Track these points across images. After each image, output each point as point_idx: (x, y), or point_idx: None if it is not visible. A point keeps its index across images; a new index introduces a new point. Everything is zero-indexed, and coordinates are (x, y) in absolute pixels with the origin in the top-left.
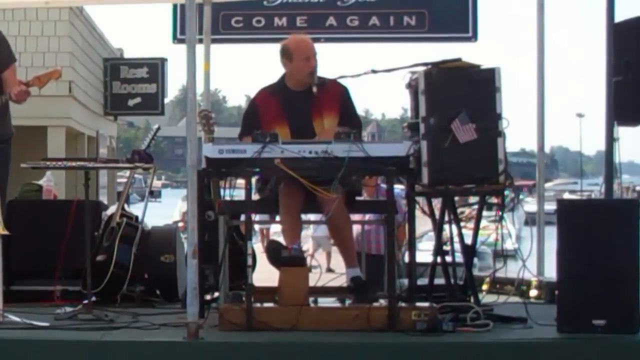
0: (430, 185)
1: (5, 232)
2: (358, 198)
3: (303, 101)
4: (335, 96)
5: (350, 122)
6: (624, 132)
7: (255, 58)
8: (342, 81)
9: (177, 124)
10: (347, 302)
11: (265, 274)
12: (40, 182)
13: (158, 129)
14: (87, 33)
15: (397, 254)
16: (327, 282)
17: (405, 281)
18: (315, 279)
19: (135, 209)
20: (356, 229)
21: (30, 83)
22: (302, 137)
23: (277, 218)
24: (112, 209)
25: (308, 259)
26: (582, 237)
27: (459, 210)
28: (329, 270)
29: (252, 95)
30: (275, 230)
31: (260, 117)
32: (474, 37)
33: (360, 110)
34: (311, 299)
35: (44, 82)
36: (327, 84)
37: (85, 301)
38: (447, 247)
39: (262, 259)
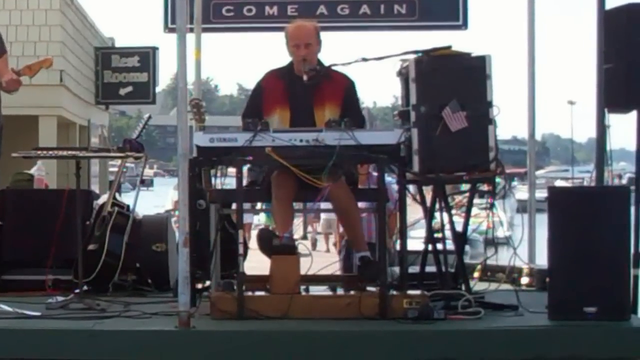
0: (421, 173)
1: None
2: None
3: (307, 88)
4: (340, 88)
5: (352, 116)
6: (615, 119)
7: (247, 47)
8: (340, 70)
9: (168, 113)
10: (339, 289)
11: (253, 264)
12: (32, 171)
13: (149, 118)
14: (78, 22)
15: (389, 242)
16: (319, 270)
17: (397, 269)
18: (306, 266)
19: (127, 198)
20: None
21: (20, 72)
22: (302, 124)
23: (258, 206)
24: (103, 198)
25: (322, 242)
26: (573, 224)
27: (450, 197)
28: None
29: (244, 84)
30: (257, 224)
31: (264, 99)
32: (464, 26)
33: None
34: (302, 287)
35: (35, 70)
36: (331, 75)
37: (77, 290)
38: (438, 235)
39: (252, 247)
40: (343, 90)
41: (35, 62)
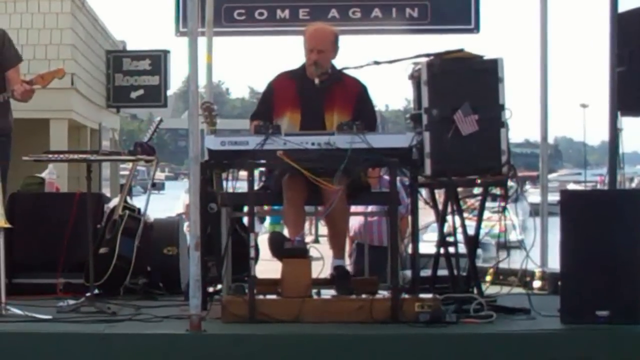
0: (433, 176)
1: (8, 225)
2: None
3: (318, 92)
4: (351, 94)
5: (364, 122)
6: (628, 123)
7: (259, 50)
8: (352, 74)
9: (180, 116)
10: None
11: (260, 267)
12: (43, 174)
13: (160, 121)
14: (89, 25)
15: (400, 245)
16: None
17: (409, 272)
18: (318, 270)
19: (138, 201)
20: (359, 220)
21: (33, 82)
22: (312, 127)
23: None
24: (114, 202)
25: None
26: (585, 227)
27: (462, 201)
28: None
29: (256, 87)
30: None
31: (275, 100)
32: (476, 29)
33: None
34: (314, 290)
35: (48, 80)
36: (343, 79)
37: (88, 294)
38: (450, 238)
39: (264, 251)
40: (355, 96)
41: (47, 72)
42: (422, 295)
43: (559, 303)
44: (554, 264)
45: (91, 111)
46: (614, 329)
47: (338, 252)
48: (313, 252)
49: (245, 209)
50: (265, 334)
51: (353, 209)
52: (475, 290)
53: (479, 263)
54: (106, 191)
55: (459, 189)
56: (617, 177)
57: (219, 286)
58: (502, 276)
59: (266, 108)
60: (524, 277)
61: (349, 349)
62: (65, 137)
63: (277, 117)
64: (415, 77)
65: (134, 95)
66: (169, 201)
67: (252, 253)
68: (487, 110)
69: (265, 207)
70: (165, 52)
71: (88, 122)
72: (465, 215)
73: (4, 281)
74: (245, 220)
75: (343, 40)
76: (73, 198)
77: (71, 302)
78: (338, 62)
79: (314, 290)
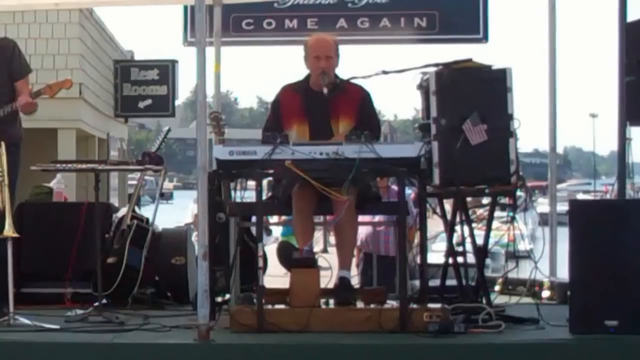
0: (442, 186)
1: (16, 235)
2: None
3: (323, 101)
4: (355, 100)
5: (367, 127)
6: (637, 132)
7: (267, 60)
8: (358, 83)
9: (188, 126)
10: (359, 303)
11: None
12: (51, 184)
13: (168, 130)
14: (97, 35)
15: (409, 255)
16: None
17: (417, 282)
18: (326, 280)
19: (147, 211)
20: (367, 230)
21: (41, 91)
22: (320, 137)
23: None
24: (122, 211)
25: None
26: (594, 237)
27: (471, 210)
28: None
29: (264, 97)
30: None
31: (282, 114)
32: (484, 38)
33: None
34: (322, 300)
35: (55, 91)
36: (347, 87)
37: (96, 303)
38: (459, 248)
39: (272, 261)
40: (358, 102)
41: (55, 82)
42: (430, 305)
43: (567, 313)
44: (563, 273)
45: (99, 121)
46: (623, 339)
47: (344, 262)
48: (322, 262)
49: (254, 218)
50: (273, 343)
51: (360, 218)
52: (484, 300)
53: (488, 273)
54: (114, 201)
55: (468, 199)
56: (626, 186)
57: (227, 296)
58: (511, 286)
59: (276, 122)
60: (532, 287)
61: (358, 358)
62: (73, 146)
63: (285, 130)
64: (423, 87)
65: (142, 105)
66: (178, 211)
67: (260, 263)
68: (495, 119)
69: (275, 218)
70: (173, 62)
71: (96, 131)
72: (474, 225)
73: (12, 290)
74: (254, 230)
75: (351, 49)
76: (81, 208)
77: (79, 311)
78: (347, 71)
79: (322, 300)
